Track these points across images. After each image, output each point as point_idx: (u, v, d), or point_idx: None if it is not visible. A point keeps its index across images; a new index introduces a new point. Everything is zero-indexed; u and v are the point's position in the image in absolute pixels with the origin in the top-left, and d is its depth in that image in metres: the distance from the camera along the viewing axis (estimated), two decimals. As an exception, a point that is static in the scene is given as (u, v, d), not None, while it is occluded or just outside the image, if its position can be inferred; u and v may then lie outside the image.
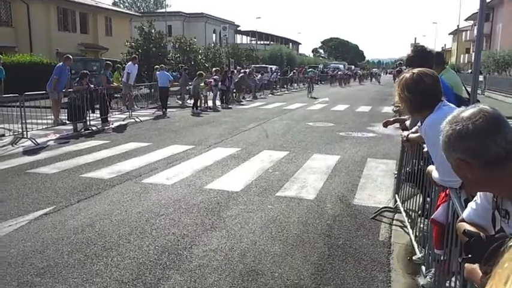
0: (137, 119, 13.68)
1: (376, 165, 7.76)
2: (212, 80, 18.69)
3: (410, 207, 4.87)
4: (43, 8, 30.01)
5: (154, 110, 16.53)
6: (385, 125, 4.83)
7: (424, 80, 2.76)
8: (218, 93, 19.24)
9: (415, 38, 78.23)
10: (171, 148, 9.18)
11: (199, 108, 17.19)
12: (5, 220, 4.90)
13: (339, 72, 45.39)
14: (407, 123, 4.23)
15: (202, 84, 17.81)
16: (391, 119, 5.10)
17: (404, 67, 6.81)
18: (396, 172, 6.19)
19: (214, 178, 6.81)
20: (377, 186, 6.45)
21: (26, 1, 28.92)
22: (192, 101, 17.49)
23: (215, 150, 9.01)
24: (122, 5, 70.98)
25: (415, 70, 2.85)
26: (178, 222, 4.90)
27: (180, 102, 18.90)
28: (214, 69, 21.33)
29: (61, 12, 31.71)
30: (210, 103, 18.34)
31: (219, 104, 19.04)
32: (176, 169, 7.38)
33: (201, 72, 19.01)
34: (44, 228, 4.70)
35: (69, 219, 4.97)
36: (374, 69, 66.85)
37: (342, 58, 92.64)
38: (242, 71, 23.94)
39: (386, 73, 76.92)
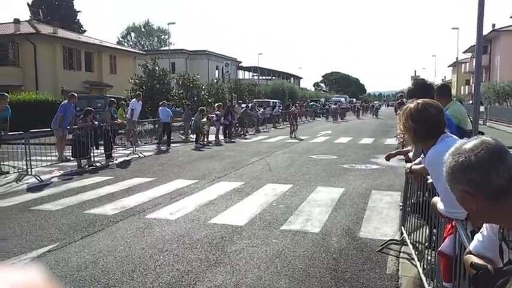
0: (141, 155, 13.74)
1: (381, 197, 7.72)
2: (214, 116, 18.92)
3: (417, 239, 4.81)
4: (49, 48, 30.81)
5: (158, 145, 16.64)
6: (388, 158, 4.86)
7: (428, 110, 2.80)
8: (221, 127, 19.43)
9: (415, 71, 79.17)
10: (175, 183, 9.18)
11: (200, 142, 17.31)
12: (8, 258, 4.86)
13: (333, 106, 40.94)
14: (410, 154, 4.24)
15: (204, 119, 18.03)
16: (393, 152, 5.14)
17: (405, 99, 6.88)
18: (401, 204, 6.15)
19: (218, 212, 6.77)
20: (382, 219, 6.39)
21: (33, 41, 29.75)
22: (195, 136, 17.67)
23: (219, 185, 9.00)
24: (126, 44, 72.67)
25: (420, 100, 2.89)
26: (182, 258, 4.85)
27: (184, 137, 19.10)
28: (216, 104, 21.62)
29: (67, 52, 32.52)
30: (211, 137, 18.47)
31: (222, 138, 19.18)
32: (180, 204, 7.36)
33: (203, 108, 19.27)
34: (47, 265, 4.64)
35: (73, 256, 4.93)
36: (375, 102, 67.38)
37: (343, 91, 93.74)
38: (243, 105, 24.20)
39: (388, 105, 77.48)
